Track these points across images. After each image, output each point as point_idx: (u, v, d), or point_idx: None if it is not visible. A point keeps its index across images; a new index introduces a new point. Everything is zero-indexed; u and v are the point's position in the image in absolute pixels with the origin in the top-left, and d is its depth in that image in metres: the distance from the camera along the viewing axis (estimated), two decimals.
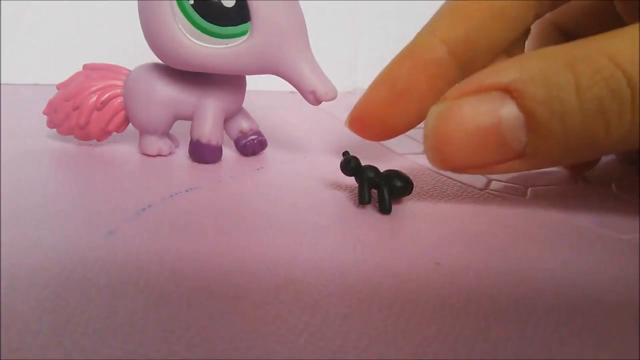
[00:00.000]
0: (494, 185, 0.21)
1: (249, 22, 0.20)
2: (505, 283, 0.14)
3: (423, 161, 0.24)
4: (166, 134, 0.24)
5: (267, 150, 0.25)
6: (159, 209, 0.17)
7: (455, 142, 0.16)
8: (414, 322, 0.12)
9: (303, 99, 0.22)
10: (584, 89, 0.15)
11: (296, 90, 0.21)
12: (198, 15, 0.20)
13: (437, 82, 0.20)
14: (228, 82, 0.23)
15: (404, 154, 0.25)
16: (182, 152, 0.24)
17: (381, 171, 0.18)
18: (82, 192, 0.19)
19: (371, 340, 0.11)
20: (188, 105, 0.23)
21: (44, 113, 0.24)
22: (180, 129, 0.24)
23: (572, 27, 0.24)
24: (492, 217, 0.18)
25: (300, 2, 0.21)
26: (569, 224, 0.18)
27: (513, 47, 0.21)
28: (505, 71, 0.16)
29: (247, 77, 0.23)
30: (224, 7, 0.20)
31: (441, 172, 0.22)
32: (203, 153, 0.23)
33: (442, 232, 0.17)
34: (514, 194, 0.20)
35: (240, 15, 0.20)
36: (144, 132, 0.23)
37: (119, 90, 0.23)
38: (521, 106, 0.15)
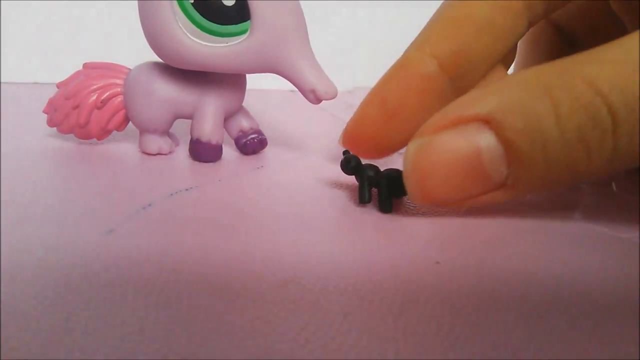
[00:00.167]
0: None
1: (249, 21, 0.20)
2: (505, 282, 0.14)
3: None
4: (166, 132, 0.24)
5: (267, 149, 0.25)
6: (159, 208, 0.17)
7: (436, 177, 0.16)
8: (414, 321, 0.12)
9: (303, 97, 0.22)
10: (564, 118, 0.14)
11: (296, 89, 0.21)
12: (198, 14, 0.20)
13: (429, 98, 0.19)
14: (228, 80, 0.23)
15: (403, 153, 0.25)
16: (182, 151, 0.24)
17: (381, 170, 0.18)
18: (82, 190, 0.19)
19: (371, 339, 0.11)
20: (188, 104, 0.23)
21: (44, 112, 0.24)
22: (181, 127, 0.24)
23: (567, 23, 0.24)
24: (492, 216, 0.18)
25: (301, 1, 0.21)
26: (569, 223, 0.18)
27: (509, 57, 0.21)
28: (483, 101, 0.16)
29: (248, 76, 0.23)
30: (224, 5, 0.20)
31: None
32: (203, 152, 0.23)
33: (442, 231, 0.17)
34: None
35: (240, 14, 0.20)
36: (144, 130, 0.23)
37: (119, 89, 0.23)
38: (500, 137, 0.15)
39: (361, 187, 0.18)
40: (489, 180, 0.16)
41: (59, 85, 0.24)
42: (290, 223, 0.17)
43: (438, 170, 0.16)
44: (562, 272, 0.14)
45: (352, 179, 0.19)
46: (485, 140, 0.15)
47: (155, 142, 0.23)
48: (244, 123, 0.24)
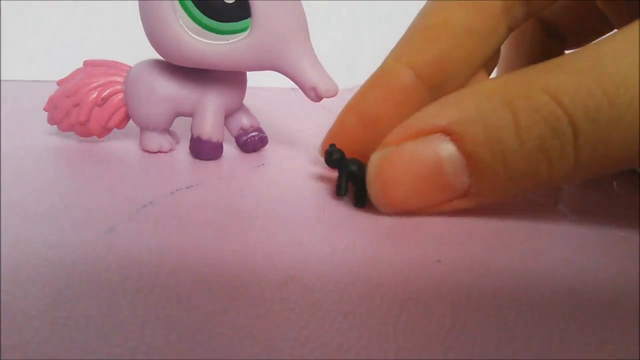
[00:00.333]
0: None
1: (249, 18, 0.20)
2: (506, 281, 0.14)
3: None
4: (167, 130, 0.24)
5: (267, 147, 0.25)
6: (160, 206, 0.17)
7: (399, 187, 0.16)
8: (415, 320, 0.12)
9: (304, 95, 0.21)
10: (524, 128, 0.14)
11: (297, 87, 0.21)
12: (199, 12, 0.20)
13: (406, 108, 0.19)
14: (229, 78, 0.23)
15: None
16: (182, 149, 0.24)
17: (364, 165, 0.18)
18: (82, 188, 0.19)
19: (372, 338, 0.11)
20: (189, 102, 0.23)
21: (45, 109, 0.24)
22: (181, 125, 0.24)
23: (555, 19, 0.24)
24: (491, 215, 0.18)
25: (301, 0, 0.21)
26: (569, 222, 0.18)
27: (492, 62, 0.20)
28: (443, 112, 0.16)
29: (248, 74, 0.23)
30: (225, 3, 0.20)
31: None
32: (204, 150, 0.23)
33: (442, 230, 0.17)
34: None
35: (240, 12, 0.20)
36: (144, 128, 0.23)
37: (119, 87, 0.23)
38: (461, 149, 0.15)
39: (339, 180, 0.18)
40: (451, 189, 0.16)
41: (59, 83, 0.24)
42: (291, 221, 0.17)
43: (401, 180, 0.16)
44: (562, 271, 0.14)
45: None
46: (446, 150, 0.15)
47: (156, 140, 0.23)
48: (244, 121, 0.24)
